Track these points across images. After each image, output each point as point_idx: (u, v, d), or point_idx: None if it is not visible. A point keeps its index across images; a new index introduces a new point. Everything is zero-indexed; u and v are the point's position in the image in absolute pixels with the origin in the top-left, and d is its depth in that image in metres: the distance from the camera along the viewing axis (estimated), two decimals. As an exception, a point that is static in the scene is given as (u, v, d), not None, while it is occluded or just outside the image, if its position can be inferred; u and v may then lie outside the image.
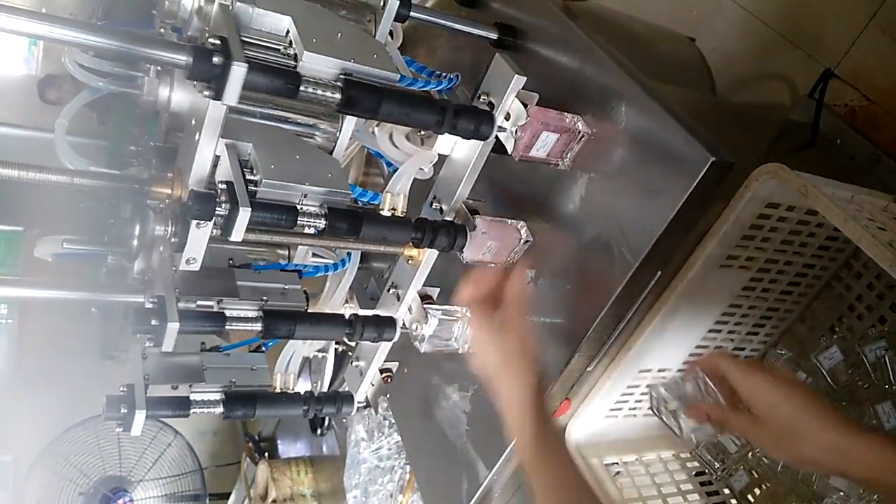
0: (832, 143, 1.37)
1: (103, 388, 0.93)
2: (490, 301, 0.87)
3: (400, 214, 0.90)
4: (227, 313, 0.88)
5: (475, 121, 0.85)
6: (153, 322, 0.81)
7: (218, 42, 0.66)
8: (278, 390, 1.05)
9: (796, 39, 1.60)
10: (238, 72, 0.65)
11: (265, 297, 0.92)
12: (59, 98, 3.41)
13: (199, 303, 0.88)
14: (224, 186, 0.75)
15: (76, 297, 0.92)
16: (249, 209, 0.73)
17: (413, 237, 0.90)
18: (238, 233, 0.74)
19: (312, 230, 0.81)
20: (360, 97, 0.76)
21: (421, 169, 0.91)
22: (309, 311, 1.01)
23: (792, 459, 0.78)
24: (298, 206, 0.80)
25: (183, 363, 0.95)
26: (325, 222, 0.81)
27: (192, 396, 0.94)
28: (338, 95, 0.74)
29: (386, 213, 0.89)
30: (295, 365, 1.06)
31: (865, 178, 1.31)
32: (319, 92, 0.73)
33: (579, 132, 0.90)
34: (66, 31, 0.62)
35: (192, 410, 0.93)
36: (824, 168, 1.09)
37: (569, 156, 0.92)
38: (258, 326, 0.89)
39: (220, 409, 0.94)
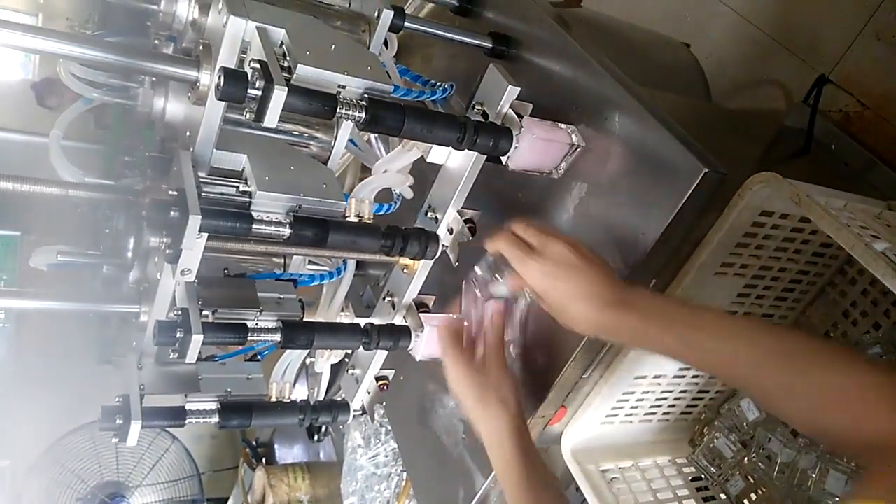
0: (827, 148, 1.37)
1: (101, 393, 0.93)
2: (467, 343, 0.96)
3: (367, 220, 0.90)
4: (248, 324, 0.88)
5: (494, 137, 0.85)
6: (178, 334, 0.81)
7: (258, 66, 0.66)
8: (274, 399, 1.05)
9: (791, 45, 1.61)
10: (279, 95, 0.65)
11: (260, 308, 0.92)
12: (58, 104, 3.41)
13: (219, 313, 0.88)
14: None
15: (72, 308, 0.92)
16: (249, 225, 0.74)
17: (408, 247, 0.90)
18: (234, 242, 0.75)
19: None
20: (384, 115, 0.76)
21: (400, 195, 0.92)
22: (305, 320, 1.02)
23: (575, 331, 0.81)
24: (293, 217, 0.80)
25: (178, 373, 0.95)
26: (320, 233, 0.81)
27: (188, 406, 0.93)
28: (362, 114, 0.75)
29: (353, 219, 0.89)
30: (291, 374, 1.06)
31: (860, 183, 1.32)
32: (349, 112, 0.73)
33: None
34: (73, 47, 0.63)
35: (187, 420, 0.93)
36: (819, 174, 1.09)
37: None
38: (277, 337, 0.89)
39: (215, 419, 0.94)
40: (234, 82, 0.66)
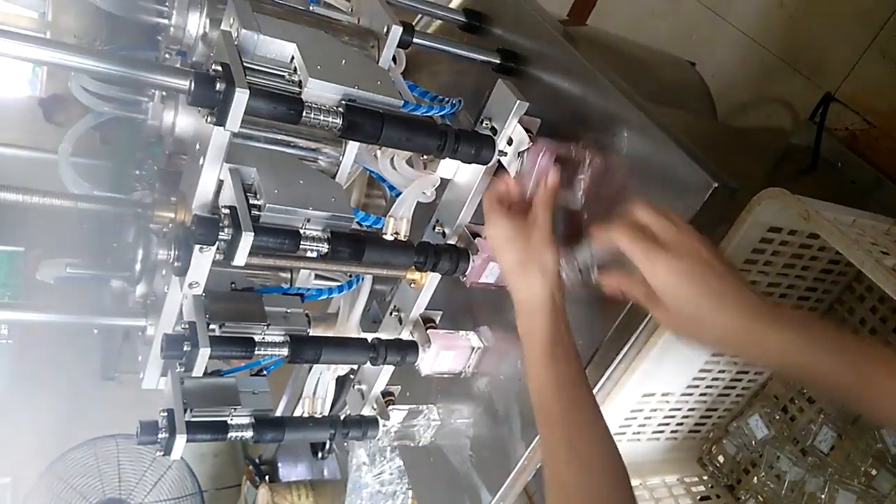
0: (833, 166, 1.38)
1: (103, 410, 0.93)
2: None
3: (402, 239, 0.90)
4: (255, 338, 0.88)
5: (476, 145, 0.85)
6: (186, 347, 0.81)
7: (219, 68, 0.67)
8: (306, 415, 1.06)
9: (796, 64, 1.61)
10: (240, 98, 0.66)
11: (267, 322, 0.92)
12: (66, 120, 3.43)
13: (226, 327, 0.88)
14: (227, 211, 0.75)
15: (78, 321, 0.92)
16: (252, 234, 0.73)
17: (416, 261, 0.90)
18: (241, 257, 0.74)
19: (315, 254, 0.81)
20: (361, 123, 0.76)
21: (423, 192, 0.92)
22: (313, 334, 1.01)
23: (694, 341, 0.72)
24: (301, 231, 0.80)
25: (218, 386, 0.95)
26: (327, 246, 0.81)
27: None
28: (339, 121, 0.74)
29: (389, 237, 0.90)
30: (322, 389, 1.06)
31: (866, 201, 1.32)
32: (321, 118, 0.73)
33: None
34: (69, 56, 0.63)
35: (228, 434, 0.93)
36: (825, 192, 1.09)
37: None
38: (285, 351, 0.89)
39: (250, 433, 0.94)
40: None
